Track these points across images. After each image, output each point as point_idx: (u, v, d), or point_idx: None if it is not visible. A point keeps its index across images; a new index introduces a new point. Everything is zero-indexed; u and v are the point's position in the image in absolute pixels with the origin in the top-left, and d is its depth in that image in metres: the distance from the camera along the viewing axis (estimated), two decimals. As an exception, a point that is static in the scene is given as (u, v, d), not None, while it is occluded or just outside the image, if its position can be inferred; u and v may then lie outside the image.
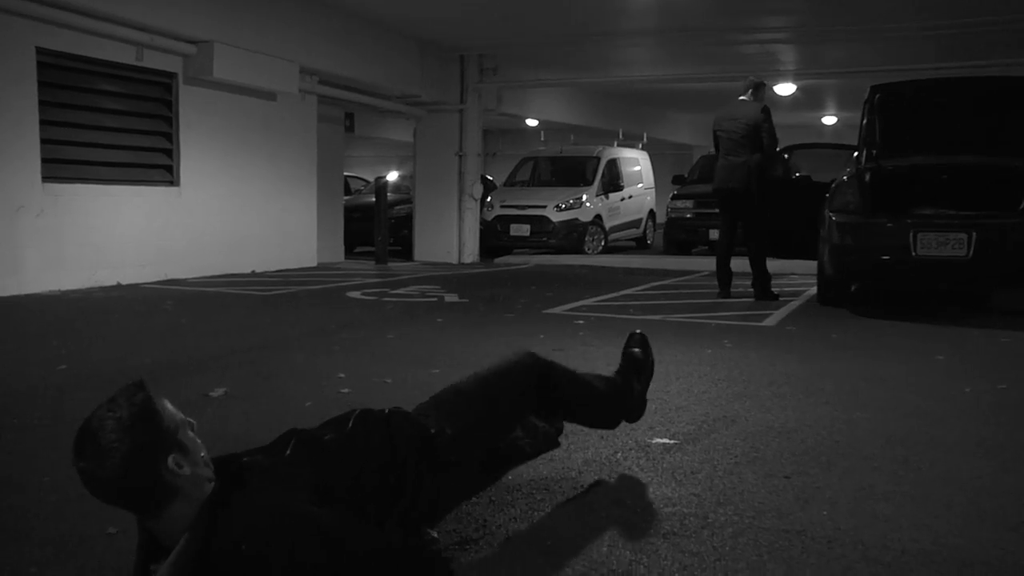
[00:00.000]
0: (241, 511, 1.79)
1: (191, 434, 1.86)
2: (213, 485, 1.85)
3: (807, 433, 3.42)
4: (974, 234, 6.43)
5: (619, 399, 2.85)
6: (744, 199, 7.96)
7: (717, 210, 12.45)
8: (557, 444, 3.04)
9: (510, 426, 2.47)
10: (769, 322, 6.61)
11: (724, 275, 8.21)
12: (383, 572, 1.88)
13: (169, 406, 1.84)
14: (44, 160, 8.02)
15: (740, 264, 8.52)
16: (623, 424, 2.98)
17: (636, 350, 2.99)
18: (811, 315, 7.03)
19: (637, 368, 2.96)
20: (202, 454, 1.87)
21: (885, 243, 6.76)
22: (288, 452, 2.03)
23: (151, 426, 1.78)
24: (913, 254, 6.58)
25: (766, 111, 7.95)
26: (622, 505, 2.58)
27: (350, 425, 2.13)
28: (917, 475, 2.90)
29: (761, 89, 8.21)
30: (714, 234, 13.91)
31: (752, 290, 8.17)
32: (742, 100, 8.14)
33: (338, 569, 1.80)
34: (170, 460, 1.77)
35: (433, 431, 2.18)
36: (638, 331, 3.11)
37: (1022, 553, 2.25)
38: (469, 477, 2.33)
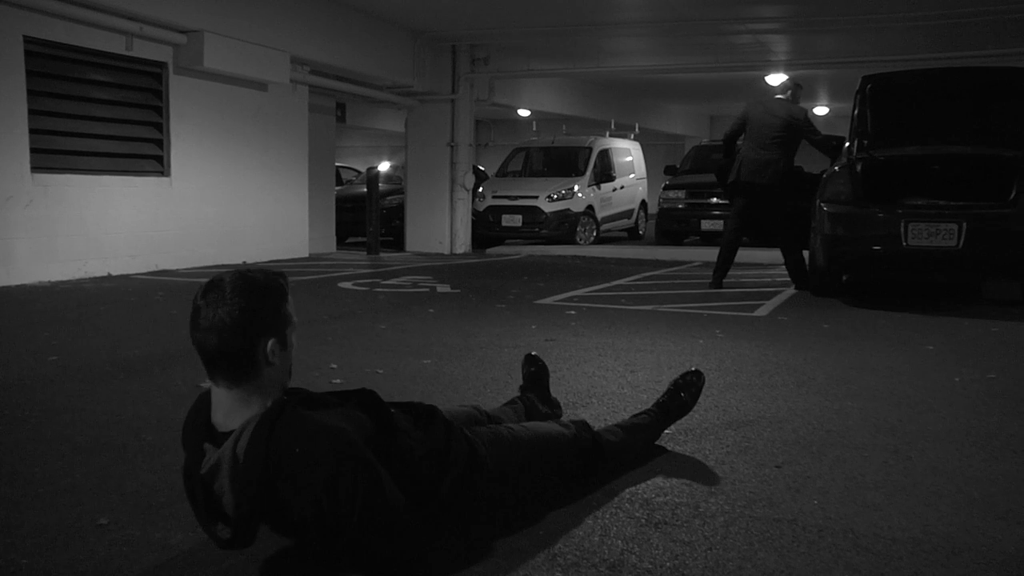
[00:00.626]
0: (305, 420, 1.92)
1: (294, 340, 2.02)
2: (288, 398, 2.00)
3: (798, 423, 3.43)
4: (964, 224, 6.46)
5: (652, 440, 3.03)
6: (770, 195, 7.94)
7: (707, 199, 12.32)
8: None
9: (543, 482, 2.58)
10: (761, 312, 6.62)
11: (724, 265, 8.18)
12: (400, 527, 1.94)
13: (293, 306, 2.00)
14: (33, 150, 7.98)
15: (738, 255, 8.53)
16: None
17: (683, 387, 3.11)
18: (803, 305, 7.05)
19: (678, 398, 3.10)
20: (291, 363, 2.03)
21: (876, 233, 6.78)
22: (356, 401, 2.16)
23: (274, 302, 1.95)
24: (904, 244, 6.60)
25: (807, 115, 8.02)
26: (613, 495, 2.59)
27: (415, 410, 2.27)
28: (907, 464, 2.91)
29: (799, 91, 8.28)
30: (706, 224, 13.97)
31: (793, 282, 8.18)
32: (779, 99, 8.15)
33: (369, 506, 1.87)
34: (271, 342, 1.93)
35: (481, 454, 2.29)
36: (695, 368, 3.21)
37: (1010, 541, 2.27)
38: (493, 501, 2.42)
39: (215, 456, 1.91)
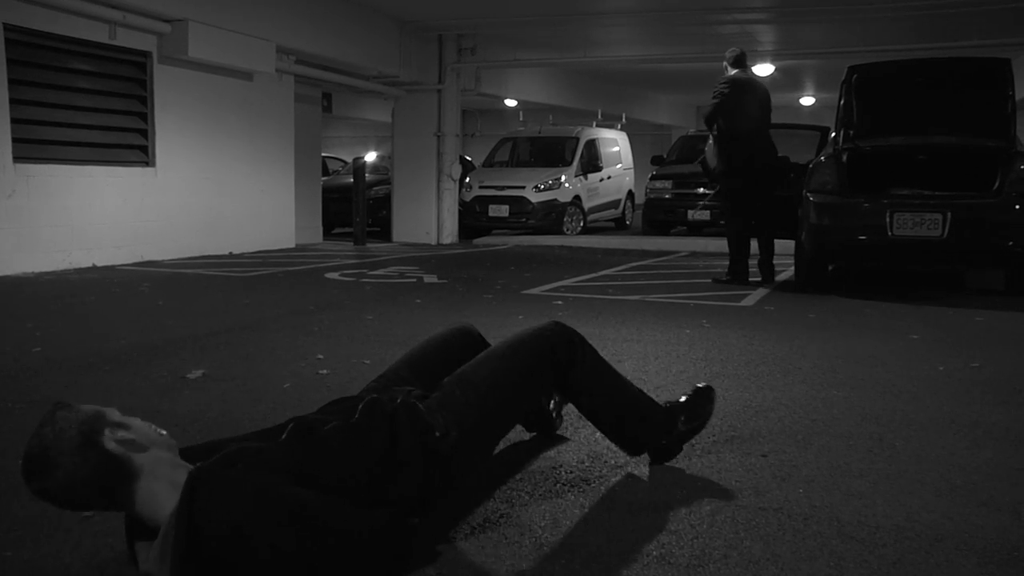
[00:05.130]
0: (222, 492, 1.79)
1: (119, 414, 1.90)
2: (199, 465, 1.85)
3: (784, 412, 3.45)
4: (949, 214, 6.50)
5: (653, 419, 2.66)
6: (770, 176, 7.75)
7: (694, 189, 12.03)
8: (552, 431, 3.04)
9: (520, 415, 2.49)
10: (747, 302, 6.65)
11: (744, 259, 7.79)
12: (364, 552, 1.89)
13: (84, 407, 1.88)
14: (15, 140, 7.90)
15: (717, 245, 8.52)
16: None
17: (688, 397, 2.76)
18: (789, 295, 7.08)
19: (688, 412, 2.72)
20: (153, 426, 1.91)
21: (862, 223, 6.81)
22: (283, 438, 2.04)
23: (71, 415, 1.82)
24: (889, 234, 6.64)
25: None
26: (600, 484, 2.60)
27: (356, 415, 2.11)
28: (891, 452, 2.93)
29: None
30: (693, 214, 13.99)
31: (760, 272, 7.86)
32: (746, 72, 7.83)
33: (319, 549, 1.81)
34: (106, 432, 1.82)
35: (438, 434, 2.14)
36: (704, 384, 2.83)
37: (991, 527, 2.29)
38: (472, 467, 2.33)
39: (149, 553, 1.82)
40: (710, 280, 7.99)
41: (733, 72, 7.74)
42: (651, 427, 2.67)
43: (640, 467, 2.75)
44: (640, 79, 20.77)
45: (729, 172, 7.65)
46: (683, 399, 2.76)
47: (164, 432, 1.93)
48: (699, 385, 2.83)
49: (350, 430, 2.07)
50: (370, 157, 16.64)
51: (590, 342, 2.66)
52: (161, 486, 1.83)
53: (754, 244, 7.96)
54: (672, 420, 2.68)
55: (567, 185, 14.77)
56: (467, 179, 14.78)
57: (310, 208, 12.96)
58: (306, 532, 1.80)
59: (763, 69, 15.48)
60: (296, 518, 1.81)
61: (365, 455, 2.03)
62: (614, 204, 16.71)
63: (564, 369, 2.49)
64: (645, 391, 2.73)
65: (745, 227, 7.80)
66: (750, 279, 7.75)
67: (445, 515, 2.33)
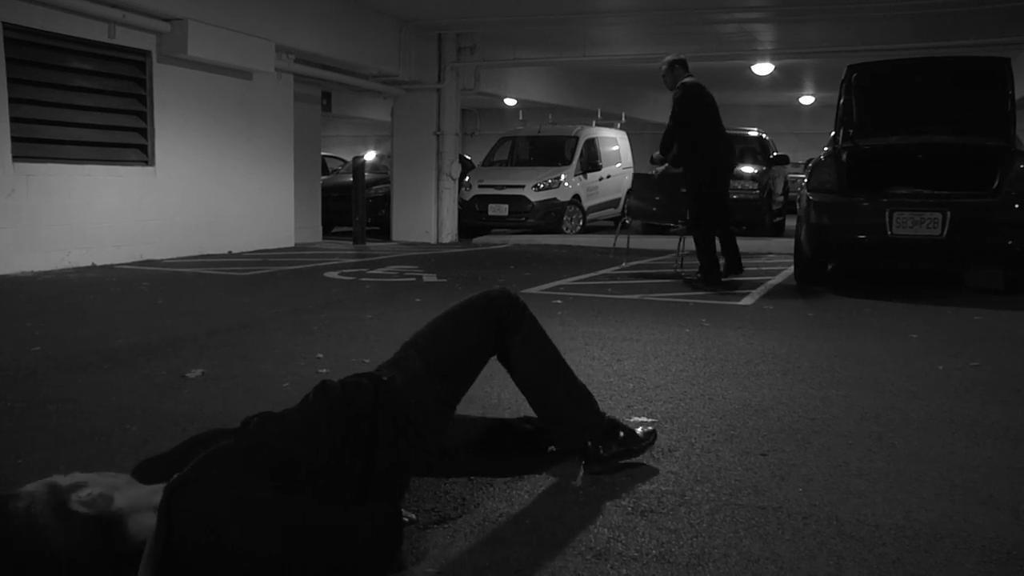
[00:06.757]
0: (198, 501, 1.77)
1: (65, 476, 1.79)
2: (174, 477, 1.82)
3: (783, 411, 3.45)
4: (948, 213, 6.50)
5: (584, 404, 2.67)
6: (726, 175, 7.96)
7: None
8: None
9: (468, 368, 2.57)
10: (746, 301, 6.65)
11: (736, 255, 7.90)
12: (345, 554, 1.88)
13: (26, 486, 1.77)
14: (15, 139, 7.89)
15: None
16: (601, 404, 2.84)
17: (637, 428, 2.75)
18: (788, 294, 7.08)
19: (630, 436, 2.70)
20: (106, 472, 1.85)
21: (861, 222, 6.82)
22: (251, 428, 2.09)
23: (26, 499, 1.71)
24: (888, 233, 6.64)
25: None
26: (600, 484, 2.60)
27: (311, 396, 2.24)
28: (891, 451, 2.93)
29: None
30: (692, 213, 13.96)
31: (700, 275, 7.74)
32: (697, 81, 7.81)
33: (297, 555, 1.79)
34: (72, 498, 1.73)
35: (385, 378, 2.31)
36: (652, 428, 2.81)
37: (991, 526, 2.29)
38: (429, 428, 2.35)
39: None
40: (681, 281, 7.90)
41: (686, 78, 7.75)
42: (579, 412, 2.66)
43: (640, 467, 2.75)
44: (640, 78, 20.75)
45: (700, 174, 7.69)
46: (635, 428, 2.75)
47: (118, 474, 1.88)
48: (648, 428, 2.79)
49: (309, 406, 2.20)
50: (369, 156, 16.64)
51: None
52: (147, 515, 1.78)
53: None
54: (604, 425, 2.67)
55: (566, 184, 14.76)
56: (466, 178, 14.78)
57: (309, 207, 12.95)
58: (287, 534, 1.79)
59: (763, 68, 15.50)
60: (276, 521, 1.80)
61: (328, 418, 2.14)
62: (613, 203, 16.70)
63: (504, 330, 2.67)
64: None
65: (711, 228, 7.73)
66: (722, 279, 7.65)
67: (440, 512, 2.33)
